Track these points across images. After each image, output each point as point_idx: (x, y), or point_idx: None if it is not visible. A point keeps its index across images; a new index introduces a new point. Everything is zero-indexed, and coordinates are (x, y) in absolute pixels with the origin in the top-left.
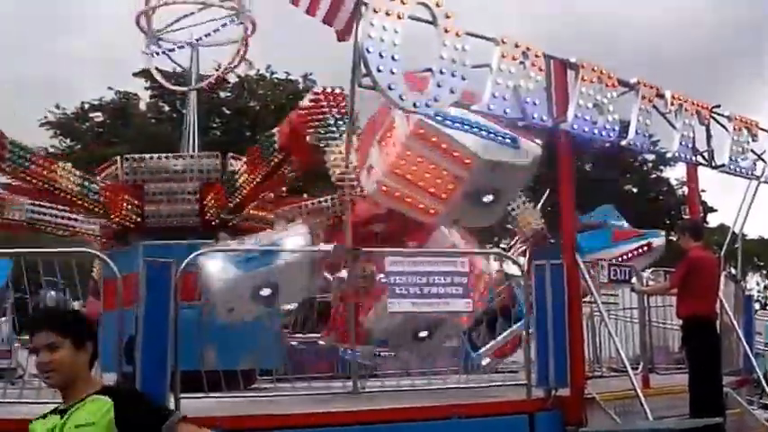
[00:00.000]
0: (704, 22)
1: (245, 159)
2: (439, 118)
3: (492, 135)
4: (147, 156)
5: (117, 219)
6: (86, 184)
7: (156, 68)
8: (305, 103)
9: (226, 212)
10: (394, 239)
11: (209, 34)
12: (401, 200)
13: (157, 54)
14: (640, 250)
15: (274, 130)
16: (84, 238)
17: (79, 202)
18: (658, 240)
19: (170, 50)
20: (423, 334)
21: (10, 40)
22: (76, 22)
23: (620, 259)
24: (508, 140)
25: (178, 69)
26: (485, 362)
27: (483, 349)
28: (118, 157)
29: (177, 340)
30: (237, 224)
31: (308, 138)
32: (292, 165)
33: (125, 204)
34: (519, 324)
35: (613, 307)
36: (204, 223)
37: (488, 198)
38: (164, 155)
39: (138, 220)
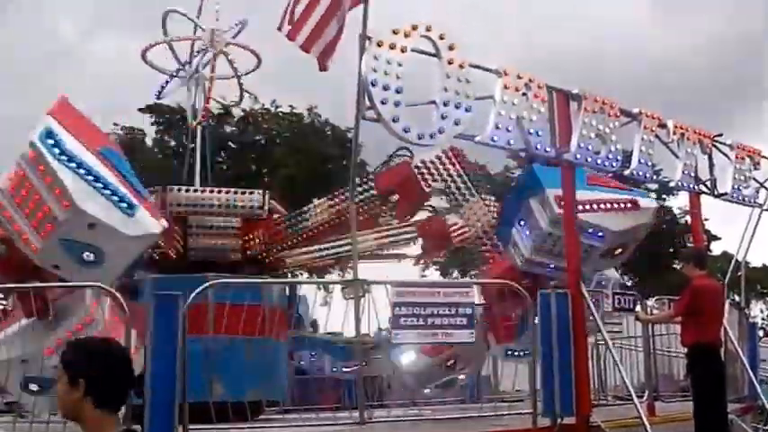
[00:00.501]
0: (704, 50)
1: (327, 201)
2: (56, 150)
3: (106, 191)
4: (192, 188)
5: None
6: None
7: (157, 105)
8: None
9: (276, 249)
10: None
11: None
12: (10, 222)
13: (161, 90)
14: (622, 205)
15: (370, 176)
16: None
17: None
18: (647, 203)
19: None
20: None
21: (16, 79)
22: (79, 58)
23: (595, 206)
24: (124, 204)
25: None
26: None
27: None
28: (159, 187)
29: (185, 372)
30: (274, 261)
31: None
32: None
33: (174, 235)
34: None
35: (618, 335)
36: (246, 258)
37: (89, 256)
38: (207, 188)
39: (182, 251)
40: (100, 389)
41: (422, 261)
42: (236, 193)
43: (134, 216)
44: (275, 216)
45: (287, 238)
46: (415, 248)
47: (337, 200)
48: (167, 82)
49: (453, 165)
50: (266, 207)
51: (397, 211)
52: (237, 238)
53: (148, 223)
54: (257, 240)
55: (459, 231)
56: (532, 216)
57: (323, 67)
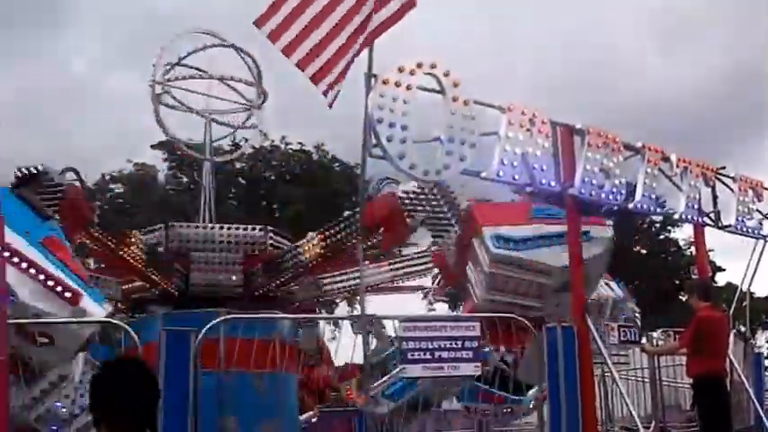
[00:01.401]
0: (705, 79)
1: (317, 235)
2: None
3: (50, 282)
4: (193, 224)
5: (164, 286)
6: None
7: (172, 139)
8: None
9: (277, 284)
10: None
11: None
12: None
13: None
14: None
15: (357, 210)
16: None
17: (144, 270)
18: None
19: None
20: None
21: (29, 118)
22: (92, 95)
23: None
24: (67, 294)
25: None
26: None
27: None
28: (161, 225)
29: (197, 408)
30: (279, 296)
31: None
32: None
33: (176, 272)
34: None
35: (624, 367)
36: (248, 294)
37: (43, 339)
38: (209, 224)
39: (183, 287)
40: (108, 414)
41: (434, 293)
42: (237, 228)
43: (78, 304)
44: (275, 251)
45: (284, 273)
46: (427, 281)
47: (329, 233)
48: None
49: (434, 195)
50: (268, 242)
51: (382, 245)
52: (240, 274)
53: (93, 311)
54: (258, 275)
55: None
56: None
57: (328, 100)
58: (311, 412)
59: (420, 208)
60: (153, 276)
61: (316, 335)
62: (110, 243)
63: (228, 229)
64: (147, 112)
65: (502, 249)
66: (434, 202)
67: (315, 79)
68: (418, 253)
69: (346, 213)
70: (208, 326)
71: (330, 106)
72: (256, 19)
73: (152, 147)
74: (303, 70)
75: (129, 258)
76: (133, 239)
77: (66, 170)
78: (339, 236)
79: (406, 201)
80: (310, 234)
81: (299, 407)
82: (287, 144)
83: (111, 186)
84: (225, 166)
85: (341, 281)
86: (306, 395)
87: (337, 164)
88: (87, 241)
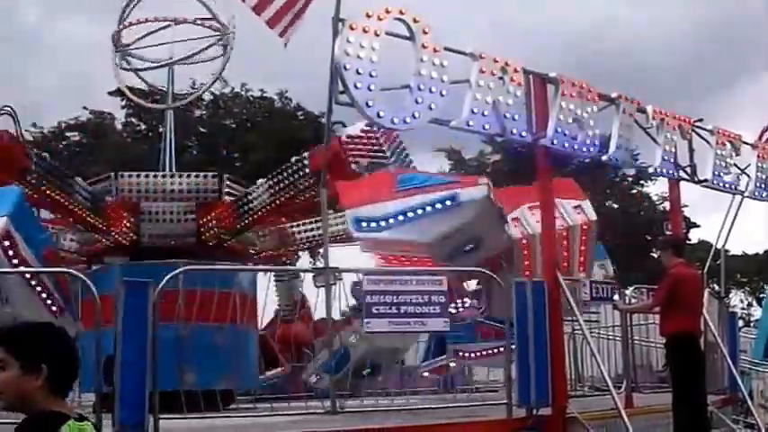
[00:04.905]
0: (675, 31)
1: (267, 181)
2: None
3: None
4: (143, 174)
5: (115, 236)
6: (94, 201)
7: (128, 87)
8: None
9: (229, 233)
10: None
11: (191, 55)
12: None
13: (128, 70)
14: None
15: (305, 155)
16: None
17: (89, 219)
18: None
19: (144, 69)
20: None
21: None
22: (46, 41)
23: None
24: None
25: (152, 88)
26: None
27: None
28: (111, 174)
29: (155, 360)
30: (231, 245)
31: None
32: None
33: (124, 222)
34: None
35: (595, 325)
36: (200, 243)
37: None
38: (160, 173)
39: (134, 238)
40: (60, 374)
41: None
42: (189, 176)
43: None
44: (227, 199)
45: (236, 222)
46: None
47: (277, 179)
48: (145, 69)
49: (378, 139)
50: (223, 191)
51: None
52: (192, 223)
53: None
54: (211, 225)
55: None
56: None
57: (284, 40)
58: (279, 369)
59: (365, 152)
60: (100, 226)
61: (291, 289)
62: (49, 192)
63: (180, 177)
64: (103, 58)
65: (363, 232)
66: (377, 147)
67: (271, 23)
68: None
69: (294, 158)
70: (167, 277)
71: (285, 46)
72: None
73: (109, 93)
74: (259, 15)
75: (72, 208)
76: (76, 188)
77: None
78: (288, 181)
79: (351, 145)
80: (260, 180)
81: (274, 363)
82: (247, 91)
83: (68, 134)
84: (184, 114)
85: (304, 231)
86: (282, 351)
87: (301, 111)
88: (26, 190)
